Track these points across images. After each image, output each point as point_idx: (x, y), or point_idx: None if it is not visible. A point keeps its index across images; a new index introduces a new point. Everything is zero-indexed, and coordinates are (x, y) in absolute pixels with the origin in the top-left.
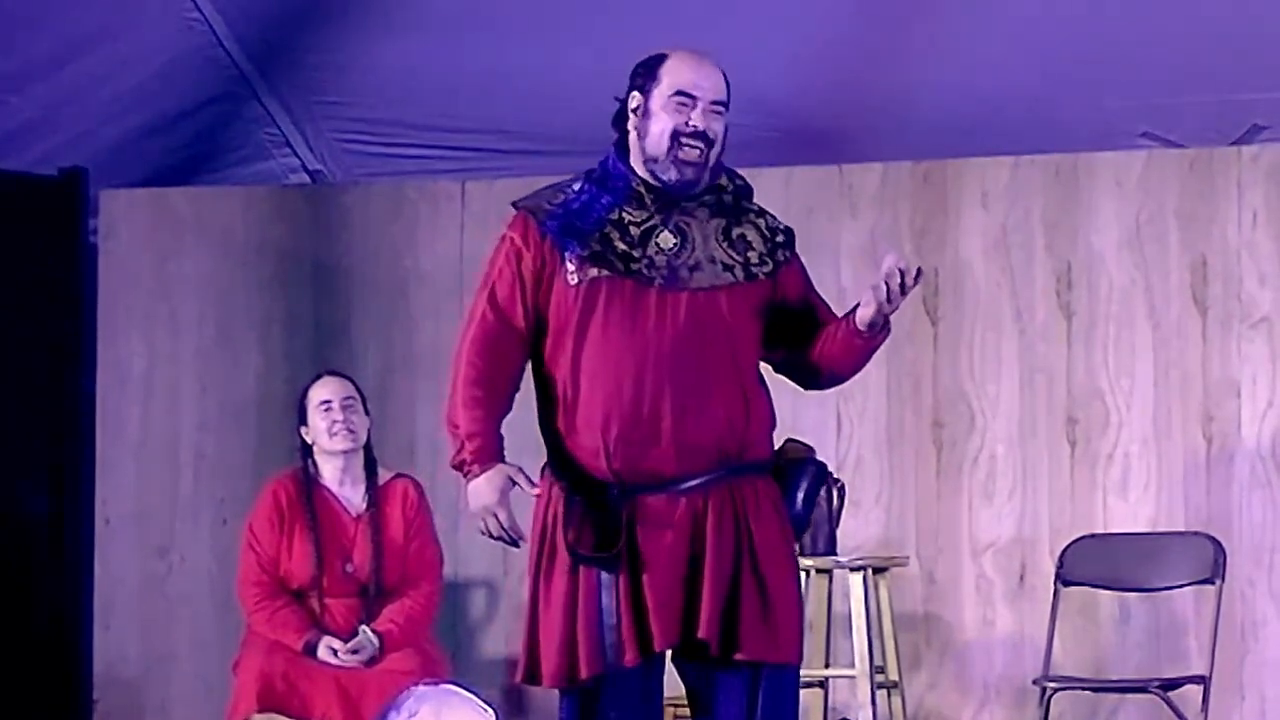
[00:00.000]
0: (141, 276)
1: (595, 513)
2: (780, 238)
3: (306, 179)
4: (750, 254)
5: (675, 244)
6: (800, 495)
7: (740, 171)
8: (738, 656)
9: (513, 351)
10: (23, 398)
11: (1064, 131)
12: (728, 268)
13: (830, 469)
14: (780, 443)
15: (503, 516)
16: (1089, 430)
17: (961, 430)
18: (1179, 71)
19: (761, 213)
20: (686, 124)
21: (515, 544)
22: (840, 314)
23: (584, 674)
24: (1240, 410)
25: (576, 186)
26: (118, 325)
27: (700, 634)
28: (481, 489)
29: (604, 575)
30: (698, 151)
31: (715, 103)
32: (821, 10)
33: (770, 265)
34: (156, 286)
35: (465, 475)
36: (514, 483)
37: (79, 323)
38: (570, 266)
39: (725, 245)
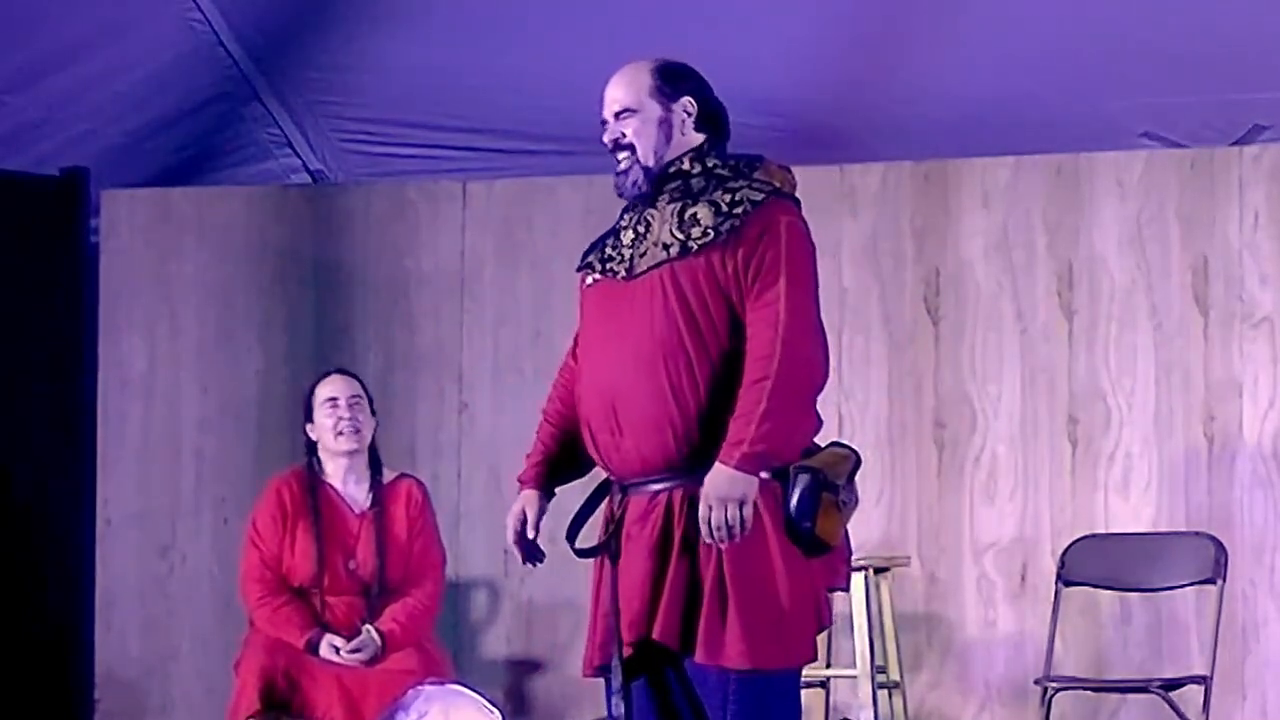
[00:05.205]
0: (142, 276)
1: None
2: (740, 209)
3: (308, 179)
4: (694, 229)
5: (633, 237)
6: (792, 504)
7: None
8: (695, 660)
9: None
10: (24, 398)
11: (1064, 131)
12: (666, 247)
13: (839, 480)
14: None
15: (508, 533)
16: (1090, 430)
17: (963, 430)
18: (1179, 71)
19: (737, 189)
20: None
21: (526, 560)
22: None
23: (597, 662)
24: (1241, 410)
25: None
26: (118, 325)
27: (654, 634)
28: (514, 504)
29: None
30: (620, 162)
31: (619, 113)
32: (822, 11)
33: (712, 235)
34: (157, 286)
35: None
36: (525, 516)
37: (79, 323)
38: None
39: (675, 227)
